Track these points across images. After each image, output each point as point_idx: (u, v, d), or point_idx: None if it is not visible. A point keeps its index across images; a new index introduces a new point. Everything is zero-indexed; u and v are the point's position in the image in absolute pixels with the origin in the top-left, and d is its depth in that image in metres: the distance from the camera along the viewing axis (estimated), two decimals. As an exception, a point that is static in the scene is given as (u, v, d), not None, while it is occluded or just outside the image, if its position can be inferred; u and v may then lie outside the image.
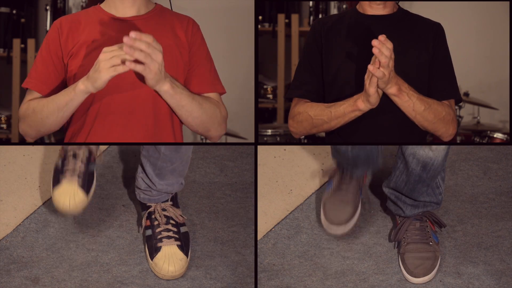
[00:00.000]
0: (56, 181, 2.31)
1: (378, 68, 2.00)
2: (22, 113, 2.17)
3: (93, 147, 2.36)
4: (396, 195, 2.35)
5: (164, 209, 2.37)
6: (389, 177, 2.36)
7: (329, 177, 2.42)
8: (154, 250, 2.33)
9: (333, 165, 2.41)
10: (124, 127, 2.12)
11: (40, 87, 2.16)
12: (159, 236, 2.33)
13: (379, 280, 2.33)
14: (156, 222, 2.36)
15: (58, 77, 2.17)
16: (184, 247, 2.33)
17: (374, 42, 1.97)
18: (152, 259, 2.32)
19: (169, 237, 2.33)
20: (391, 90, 2.07)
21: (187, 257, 2.34)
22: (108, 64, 1.95)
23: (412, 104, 2.11)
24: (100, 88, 2.00)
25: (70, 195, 2.26)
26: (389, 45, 1.99)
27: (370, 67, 2.00)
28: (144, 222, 2.38)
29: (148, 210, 2.38)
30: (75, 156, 2.32)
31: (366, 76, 2.05)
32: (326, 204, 2.35)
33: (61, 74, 2.17)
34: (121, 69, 1.95)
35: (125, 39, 1.92)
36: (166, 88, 2.06)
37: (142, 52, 1.94)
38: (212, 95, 2.23)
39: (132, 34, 1.92)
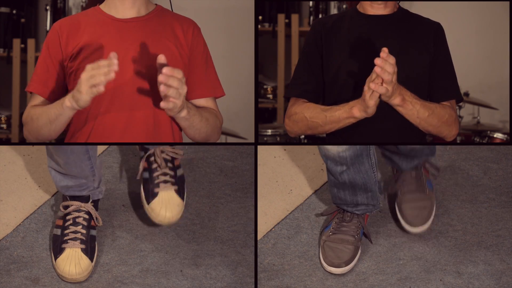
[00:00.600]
0: (58, 250, 2.31)
1: (381, 84, 1.99)
2: (24, 119, 2.19)
3: (92, 212, 2.36)
4: (391, 152, 2.41)
5: (163, 151, 2.36)
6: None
7: (328, 218, 2.43)
8: (150, 195, 2.32)
9: (333, 207, 2.42)
10: (124, 129, 2.11)
11: (41, 90, 2.17)
12: (156, 181, 2.33)
13: (379, 280, 2.33)
14: (154, 165, 2.35)
15: (59, 80, 2.17)
16: (180, 191, 2.33)
17: (377, 61, 1.94)
18: (148, 204, 2.32)
19: (166, 181, 2.33)
20: (395, 101, 2.07)
21: (183, 201, 2.34)
22: (88, 84, 1.94)
23: (416, 112, 2.11)
24: (85, 106, 2.00)
25: (75, 262, 2.27)
26: (392, 60, 1.96)
27: (372, 85, 1.98)
28: (142, 164, 2.38)
29: (148, 153, 2.37)
30: (75, 222, 2.33)
31: (366, 88, 2.02)
32: (325, 245, 2.35)
33: (62, 76, 2.17)
34: (98, 90, 1.94)
35: (161, 78, 1.93)
36: (183, 115, 2.07)
37: (173, 89, 1.96)
38: (211, 101, 2.24)
39: (166, 70, 1.93)
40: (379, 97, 2.03)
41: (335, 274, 2.33)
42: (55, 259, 2.30)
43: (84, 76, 1.95)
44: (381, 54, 1.95)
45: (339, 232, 2.36)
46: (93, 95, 1.96)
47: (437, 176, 2.47)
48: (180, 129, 2.21)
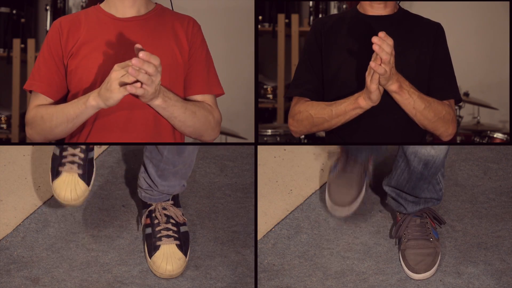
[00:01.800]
0: (55, 172, 2.28)
1: (380, 65, 2.00)
2: (30, 119, 2.17)
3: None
4: (397, 192, 2.36)
5: (164, 208, 2.37)
6: (390, 175, 2.36)
7: (335, 160, 2.43)
8: (153, 249, 2.33)
9: (339, 149, 2.42)
10: (124, 128, 2.12)
11: (45, 89, 2.16)
12: (158, 235, 2.33)
13: (379, 280, 2.33)
14: (156, 221, 2.36)
15: (61, 78, 2.16)
16: (183, 247, 2.33)
17: (374, 39, 1.97)
18: (150, 258, 2.32)
19: (168, 236, 2.33)
20: (392, 87, 2.07)
21: (186, 256, 2.34)
22: (121, 83, 1.94)
23: (412, 101, 2.12)
24: (113, 105, 2.00)
25: (71, 187, 2.24)
26: (390, 41, 1.99)
27: (371, 63, 2.00)
28: (144, 220, 2.38)
29: (149, 209, 2.38)
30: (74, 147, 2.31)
31: (367, 73, 2.05)
32: (331, 185, 2.36)
33: (64, 74, 2.17)
34: (133, 89, 1.94)
35: (134, 61, 1.90)
36: (157, 103, 2.05)
37: (145, 75, 1.94)
38: (208, 97, 2.23)
39: (142, 55, 1.91)
40: (379, 84, 2.04)
41: (338, 217, 2.39)
42: (52, 181, 2.27)
43: (114, 75, 1.95)
44: (379, 34, 1.97)
45: (345, 172, 2.37)
46: (126, 93, 1.95)
47: (442, 226, 2.45)
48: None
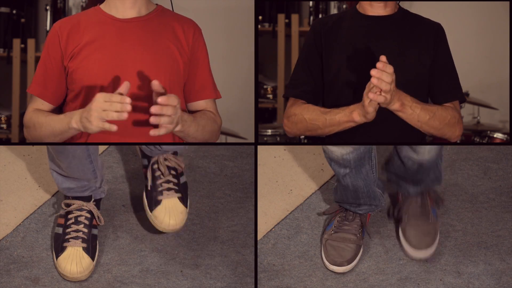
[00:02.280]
0: (59, 248, 2.32)
1: (380, 94, 1.99)
2: (26, 122, 2.18)
3: (94, 211, 2.36)
4: (397, 177, 2.37)
5: (166, 159, 2.37)
6: (389, 162, 2.38)
7: (330, 217, 2.43)
8: (154, 203, 2.32)
9: (335, 206, 2.42)
10: (125, 129, 2.11)
11: (41, 92, 2.17)
12: (159, 189, 2.33)
13: (379, 280, 2.33)
14: (157, 173, 2.35)
15: (59, 81, 2.16)
16: (184, 199, 2.34)
17: (373, 72, 1.95)
18: (151, 211, 2.32)
19: (169, 189, 2.33)
20: (394, 107, 2.07)
21: (187, 208, 2.35)
22: (99, 117, 1.93)
23: (416, 116, 2.11)
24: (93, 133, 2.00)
25: (76, 261, 2.28)
26: (389, 69, 1.97)
27: (370, 95, 1.98)
28: (149, 173, 2.38)
29: (151, 162, 2.38)
30: (77, 221, 2.33)
31: (365, 95, 2.03)
32: (327, 243, 2.36)
33: (63, 77, 2.16)
34: (110, 127, 1.94)
35: (153, 109, 1.93)
36: (177, 129, 2.06)
37: (166, 118, 1.96)
38: (211, 103, 2.24)
39: (160, 100, 1.93)
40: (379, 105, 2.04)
41: (337, 273, 2.33)
42: (57, 258, 2.30)
43: (94, 106, 1.94)
44: (378, 64, 1.95)
45: (341, 231, 2.36)
46: (103, 129, 1.95)
47: (441, 207, 2.46)
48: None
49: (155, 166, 2.36)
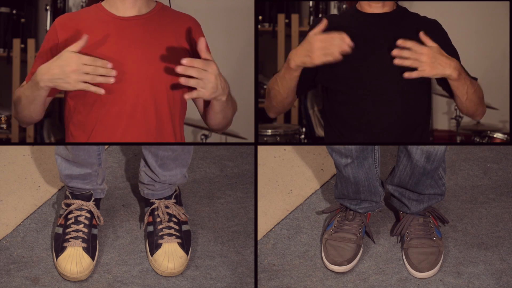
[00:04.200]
0: (59, 248, 2.32)
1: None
2: (13, 100, 2.20)
3: (94, 210, 2.36)
4: (400, 191, 2.36)
5: (167, 207, 2.37)
6: (392, 173, 2.36)
7: (331, 217, 2.43)
8: (154, 247, 2.33)
9: (335, 205, 2.42)
10: (126, 128, 2.11)
11: None
12: (160, 233, 2.34)
13: (379, 280, 2.33)
14: (158, 219, 2.36)
15: None
16: (185, 245, 2.34)
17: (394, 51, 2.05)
18: (152, 255, 2.33)
19: (170, 235, 2.34)
20: (453, 75, 2.09)
21: (188, 255, 2.34)
22: (80, 80, 1.95)
23: (466, 87, 2.15)
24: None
25: (76, 261, 2.28)
26: (409, 44, 2.06)
27: (396, 60, 2.07)
28: (146, 218, 2.39)
29: (152, 207, 2.38)
30: (77, 221, 2.33)
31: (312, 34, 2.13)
32: (327, 243, 2.36)
33: None
34: (93, 88, 1.96)
35: (178, 69, 1.95)
36: (224, 99, 2.08)
37: (195, 80, 1.98)
38: None
39: (185, 61, 1.95)
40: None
41: (336, 273, 2.33)
42: (57, 258, 2.30)
43: (71, 69, 1.95)
44: (396, 47, 2.05)
45: (341, 230, 2.36)
46: (84, 89, 1.96)
47: (443, 229, 2.45)
48: (182, 129, 2.21)
49: (156, 212, 2.37)
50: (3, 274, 2.31)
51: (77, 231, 2.31)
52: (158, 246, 2.33)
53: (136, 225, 2.46)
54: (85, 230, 2.32)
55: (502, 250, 2.39)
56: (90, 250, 2.31)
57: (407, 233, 2.36)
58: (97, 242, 2.36)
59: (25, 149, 2.67)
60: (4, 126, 3.89)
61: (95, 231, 2.35)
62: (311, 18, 4.05)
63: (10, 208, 2.49)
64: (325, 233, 2.39)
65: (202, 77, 1.98)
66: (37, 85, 2.02)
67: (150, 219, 2.38)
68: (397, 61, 2.05)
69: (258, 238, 2.45)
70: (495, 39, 4.09)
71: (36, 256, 2.36)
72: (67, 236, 2.31)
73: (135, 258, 2.37)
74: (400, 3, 2.30)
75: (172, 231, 2.35)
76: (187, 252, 2.34)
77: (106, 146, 2.66)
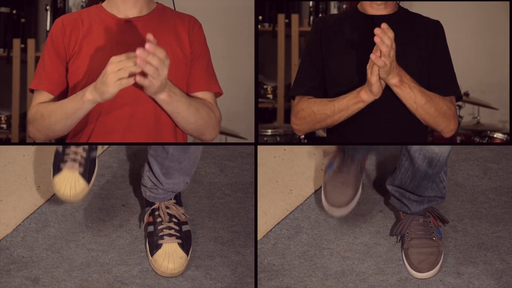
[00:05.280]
0: (57, 168, 2.29)
1: (380, 57, 2.01)
2: (31, 117, 2.17)
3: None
4: (401, 192, 2.36)
5: (167, 207, 2.37)
6: (393, 175, 2.36)
7: (330, 159, 2.43)
8: (154, 247, 2.33)
9: (334, 148, 2.42)
10: (126, 129, 2.11)
11: (51, 87, 2.16)
12: (160, 234, 2.34)
13: (379, 280, 2.33)
14: (159, 219, 2.36)
15: (63, 76, 2.16)
16: (185, 246, 2.34)
17: (377, 31, 1.99)
18: (152, 256, 2.33)
19: (170, 235, 2.34)
20: (393, 81, 2.08)
21: (188, 255, 2.34)
22: (115, 77, 1.94)
23: (413, 96, 2.12)
24: (109, 99, 2.00)
25: (71, 184, 2.25)
26: (390, 34, 2.01)
27: (372, 56, 2.01)
28: (146, 218, 2.39)
29: (152, 207, 2.38)
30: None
31: (368, 66, 2.06)
32: (327, 185, 2.36)
33: (65, 72, 2.16)
34: (128, 82, 1.95)
35: (139, 51, 1.91)
36: (163, 97, 2.05)
37: (152, 67, 1.94)
38: (208, 95, 2.22)
39: (148, 46, 1.91)
40: (380, 77, 2.06)
41: (335, 216, 2.37)
42: (53, 177, 2.28)
43: (110, 68, 1.94)
44: (382, 25, 2.00)
45: (340, 174, 2.37)
46: (121, 87, 1.95)
47: (443, 229, 2.45)
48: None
49: (156, 212, 2.37)
50: (3, 274, 2.31)
51: (75, 153, 2.29)
52: (158, 246, 2.33)
53: (136, 225, 2.46)
54: (84, 153, 2.29)
55: (502, 250, 2.39)
56: (87, 174, 2.28)
57: (407, 233, 2.36)
58: (96, 164, 2.34)
59: (25, 149, 2.67)
60: (4, 126, 3.89)
61: (94, 153, 2.34)
62: (311, 18, 4.05)
63: (10, 208, 2.49)
64: (326, 175, 2.39)
65: (157, 65, 1.95)
66: (82, 97, 2.02)
67: (151, 219, 2.38)
68: (376, 40, 2.01)
69: (258, 238, 2.45)
70: (495, 39, 4.09)
71: (36, 256, 2.36)
72: (65, 157, 2.29)
73: (135, 258, 2.37)
74: (401, 3, 2.30)
75: (172, 232, 2.35)
76: (187, 253, 2.34)
77: (104, 149, 2.66)
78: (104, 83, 1.96)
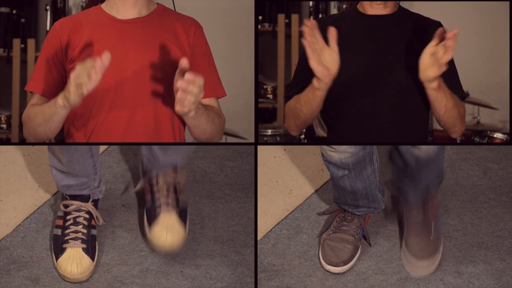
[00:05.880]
0: (59, 250, 2.31)
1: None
2: (23, 118, 2.18)
3: (93, 211, 2.37)
4: (399, 173, 2.35)
5: (165, 175, 2.38)
6: (391, 154, 2.37)
7: (330, 218, 2.43)
8: (152, 217, 2.35)
9: (334, 206, 2.42)
10: (125, 129, 2.11)
11: (42, 89, 2.16)
12: (157, 204, 2.35)
13: (379, 280, 2.33)
14: (155, 188, 2.37)
15: (60, 80, 2.16)
16: (182, 216, 2.35)
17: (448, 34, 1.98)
18: (150, 226, 2.35)
19: (167, 204, 2.34)
20: (433, 85, 2.06)
21: (185, 224, 2.36)
22: (75, 86, 1.93)
23: (445, 99, 2.11)
24: (76, 105, 1.99)
25: (77, 261, 2.27)
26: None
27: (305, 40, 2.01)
28: (141, 183, 2.40)
29: (149, 175, 2.39)
30: (75, 222, 2.33)
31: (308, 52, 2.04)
32: (325, 243, 2.36)
33: (63, 76, 2.16)
34: (85, 91, 1.93)
35: (180, 83, 1.92)
36: (191, 115, 2.05)
37: (192, 96, 1.95)
38: (214, 101, 2.23)
39: (188, 76, 1.92)
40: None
41: (334, 274, 2.33)
42: (56, 259, 2.30)
43: (72, 75, 1.94)
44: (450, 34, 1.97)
45: (339, 231, 2.36)
46: (80, 96, 1.94)
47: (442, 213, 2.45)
48: (184, 128, 2.21)
49: (154, 181, 2.38)
50: (3, 274, 2.31)
51: (76, 232, 2.31)
52: (156, 215, 2.34)
53: (136, 225, 2.46)
54: (84, 231, 2.32)
55: (502, 250, 2.39)
56: (90, 250, 2.31)
57: (407, 222, 2.36)
58: (97, 242, 2.35)
59: (25, 149, 2.67)
60: (4, 126, 3.89)
61: (94, 231, 2.35)
62: (311, 18, 4.05)
63: (10, 208, 2.49)
64: (324, 233, 2.39)
65: (196, 93, 1.96)
66: (55, 102, 2.02)
67: (148, 188, 2.39)
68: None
69: (258, 238, 2.45)
70: (495, 39, 4.09)
71: (36, 256, 2.36)
72: (66, 237, 2.31)
73: (135, 258, 2.37)
74: (401, 3, 2.30)
75: (169, 201, 2.36)
76: (185, 222, 2.37)
77: (104, 149, 2.66)
78: (67, 89, 1.96)
